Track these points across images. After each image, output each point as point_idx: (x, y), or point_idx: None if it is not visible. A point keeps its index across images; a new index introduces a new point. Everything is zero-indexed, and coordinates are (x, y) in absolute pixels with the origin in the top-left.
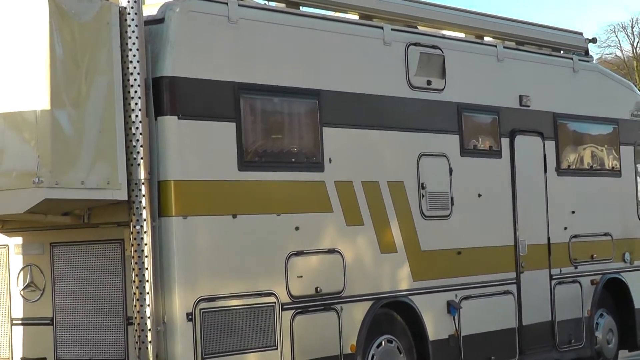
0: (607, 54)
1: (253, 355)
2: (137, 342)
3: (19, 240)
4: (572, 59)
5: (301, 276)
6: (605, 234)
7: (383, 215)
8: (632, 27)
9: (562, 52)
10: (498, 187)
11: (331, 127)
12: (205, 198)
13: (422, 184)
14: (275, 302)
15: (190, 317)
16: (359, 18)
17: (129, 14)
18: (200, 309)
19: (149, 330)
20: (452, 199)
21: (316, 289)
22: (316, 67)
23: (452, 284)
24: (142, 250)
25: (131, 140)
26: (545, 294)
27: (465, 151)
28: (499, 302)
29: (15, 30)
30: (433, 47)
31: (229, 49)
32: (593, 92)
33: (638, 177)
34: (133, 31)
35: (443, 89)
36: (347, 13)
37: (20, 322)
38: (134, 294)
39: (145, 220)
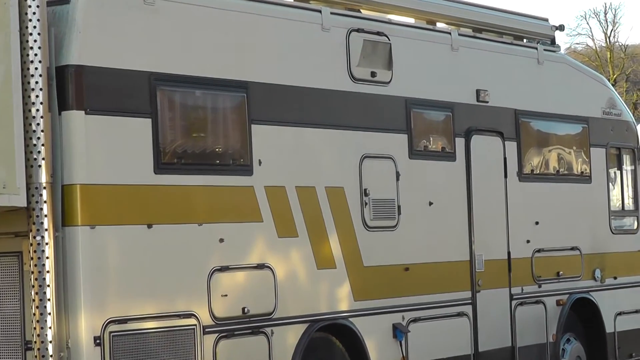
0: (577, 44)
1: None
2: None
3: None
4: (536, 48)
5: (226, 295)
6: (573, 248)
7: (320, 226)
8: (606, 14)
9: (525, 40)
10: (452, 194)
11: (261, 124)
12: (116, 205)
13: (365, 190)
14: (195, 325)
15: (98, 341)
16: (294, 0)
17: None
18: (110, 332)
19: (51, 356)
20: (399, 207)
21: (243, 309)
22: (244, 56)
23: (399, 305)
24: (44, 265)
25: (31, 138)
26: (505, 316)
27: (414, 153)
28: (452, 325)
29: None
30: (378, 33)
31: (144, 34)
32: (560, 87)
33: (610, 184)
34: (34, 13)
35: (389, 82)
36: None
37: None
38: (34, 314)
39: (46, 230)
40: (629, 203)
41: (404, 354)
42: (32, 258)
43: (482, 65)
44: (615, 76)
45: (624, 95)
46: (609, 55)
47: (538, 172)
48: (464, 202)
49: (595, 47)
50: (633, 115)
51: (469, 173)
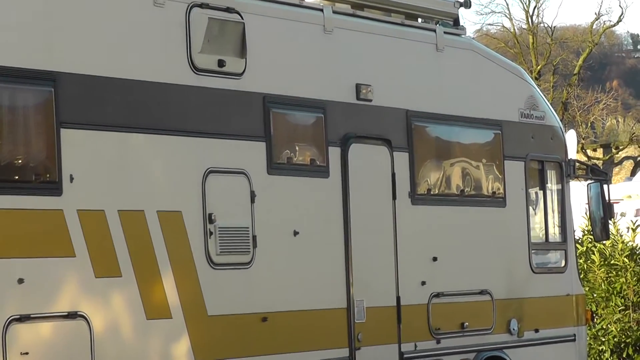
0: (489, 24)
1: None
2: None
3: None
4: (434, 31)
5: (27, 353)
6: (483, 292)
7: (151, 263)
8: None
9: (420, 21)
10: (324, 220)
11: (73, 128)
12: None
13: (210, 215)
14: None
15: None
16: None
17: None
18: None
19: None
20: (254, 237)
21: None
22: (51, 39)
23: None
24: None
25: None
26: None
27: (275, 167)
28: None
29: None
30: (228, 10)
31: None
32: (465, 81)
33: (531, 208)
34: None
35: (242, 74)
36: None
37: None
38: None
39: None
40: (554, 233)
41: None
42: None
43: (364, 52)
44: (539, 67)
45: (550, 93)
46: (531, 40)
47: (437, 192)
48: (339, 232)
49: (514, 29)
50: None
51: (347, 193)
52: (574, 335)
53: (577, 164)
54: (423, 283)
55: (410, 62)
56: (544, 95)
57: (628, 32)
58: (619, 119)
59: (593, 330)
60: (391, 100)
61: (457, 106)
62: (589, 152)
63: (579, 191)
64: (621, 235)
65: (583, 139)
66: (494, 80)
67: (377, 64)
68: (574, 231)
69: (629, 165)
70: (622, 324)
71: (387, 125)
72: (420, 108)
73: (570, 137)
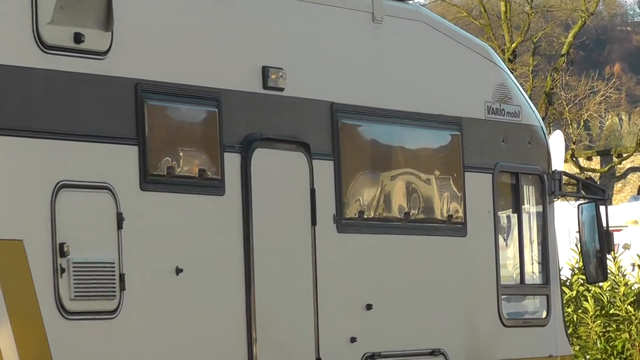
0: None
1: None
2: None
3: None
4: None
5: None
6: (435, 353)
7: None
8: None
9: None
10: (217, 254)
11: None
12: None
13: (62, 245)
14: None
15: None
16: None
17: None
18: None
19: None
20: (122, 276)
21: None
22: None
23: None
24: None
25: None
26: None
27: (150, 180)
28: None
29: None
30: None
31: None
32: (413, 64)
33: (501, 237)
34: None
35: (107, 53)
36: None
37: None
38: None
39: None
40: (533, 272)
41: None
42: None
43: (274, 24)
44: (514, 45)
45: (529, 80)
46: (503, 9)
47: (372, 215)
48: (238, 269)
49: None
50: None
51: (248, 216)
52: None
53: (565, 177)
54: (353, 340)
55: (337, 37)
56: (521, 83)
57: None
58: (622, 117)
59: None
60: (311, 89)
61: (400, 98)
62: (582, 162)
63: (567, 214)
64: (624, 275)
65: (574, 143)
66: (451, 63)
67: (291, 40)
68: (560, 269)
69: (635, 179)
70: None
71: (305, 124)
72: (351, 100)
73: (556, 141)
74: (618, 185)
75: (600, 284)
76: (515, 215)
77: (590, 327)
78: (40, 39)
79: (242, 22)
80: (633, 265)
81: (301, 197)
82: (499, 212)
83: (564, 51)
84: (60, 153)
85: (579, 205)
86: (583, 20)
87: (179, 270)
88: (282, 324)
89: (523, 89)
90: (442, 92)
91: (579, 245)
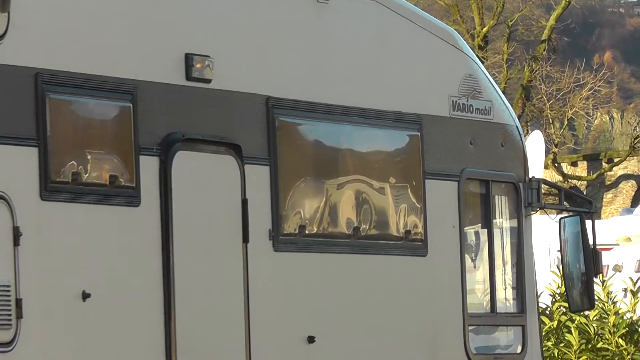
0: None
1: None
2: None
3: None
4: None
5: None
6: None
7: None
8: None
9: None
10: (131, 275)
11: None
12: None
13: None
14: None
15: None
16: None
17: None
18: None
19: None
20: (19, 302)
21: None
22: None
23: None
24: None
25: None
26: None
27: (52, 188)
28: None
29: None
30: None
31: None
32: (364, 51)
33: (469, 257)
34: None
35: (2, 38)
36: None
37: None
38: None
39: None
40: (506, 298)
41: None
42: None
43: (198, 4)
44: (485, 30)
45: (503, 71)
46: None
47: (315, 231)
48: (156, 294)
49: None
50: (522, 113)
51: (168, 232)
52: None
53: (545, 186)
54: None
55: (274, 19)
56: (493, 74)
57: None
58: (614, 115)
59: None
60: (243, 80)
61: (350, 92)
62: (566, 168)
63: (547, 230)
64: (614, 303)
65: (556, 145)
66: (410, 50)
67: (220, 23)
68: (539, 295)
69: (628, 188)
70: None
71: (236, 122)
72: (291, 94)
73: (535, 143)
74: (608, 196)
75: (586, 312)
76: (485, 230)
77: None
78: None
79: (162, 2)
80: (625, 290)
81: (231, 208)
82: (465, 228)
83: (544, 37)
84: None
85: (561, 219)
86: (567, 0)
87: (86, 295)
88: (207, 358)
89: (496, 81)
90: (399, 85)
91: (560, 267)
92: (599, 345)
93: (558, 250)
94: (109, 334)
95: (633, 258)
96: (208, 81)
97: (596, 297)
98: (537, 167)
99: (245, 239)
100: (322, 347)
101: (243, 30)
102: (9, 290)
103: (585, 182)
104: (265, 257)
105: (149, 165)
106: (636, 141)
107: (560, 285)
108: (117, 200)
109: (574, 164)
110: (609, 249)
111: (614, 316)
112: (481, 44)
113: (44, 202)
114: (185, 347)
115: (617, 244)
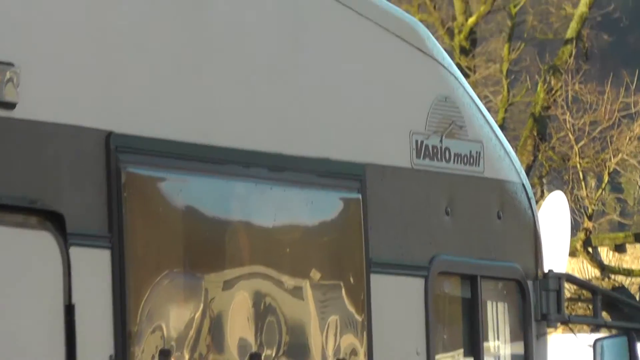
0: None
1: None
2: None
3: None
4: None
5: None
6: None
7: None
8: None
9: None
10: None
11: None
12: None
13: None
14: None
15: None
16: None
17: None
18: None
19: None
20: None
21: None
22: None
23: None
24: None
25: None
26: None
27: None
28: None
29: None
30: None
31: None
32: (273, 63)
33: None
34: None
35: None
36: None
37: None
38: None
39: None
40: None
41: None
42: None
43: None
44: (472, 20)
45: (501, 91)
46: None
47: (189, 356)
48: None
49: None
50: (533, 161)
51: None
52: None
53: (571, 285)
54: None
55: (124, 16)
56: (484, 97)
57: None
58: None
59: None
60: (69, 108)
61: (248, 127)
62: (605, 255)
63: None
64: None
65: (589, 218)
66: (347, 58)
67: (30, 17)
68: None
69: None
70: None
71: (57, 175)
72: (148, 130)
73: (555, 212)
74: None
75: None
76: (470, 359)
77: None
78: None
79: None
80: None
81: (47, 320)
82: (438, 356)
83: (570, 34)
84: None
85: (596, 341)
86: None
87: None
88: None
89: (490, 106)
90: (328, 117)
91: None
92: None
93: None
94: None
95: None
96: (11, 107)
97: None
98: (558, 252)
99: None
100: None
101: (72, 31)
102: None
103: (639, 278)
104: None
105: None
106: None
107: None
108: None
109: (619, 247)
110: None
111: None
112: (465, 44)
113: None
114: None
115: None
